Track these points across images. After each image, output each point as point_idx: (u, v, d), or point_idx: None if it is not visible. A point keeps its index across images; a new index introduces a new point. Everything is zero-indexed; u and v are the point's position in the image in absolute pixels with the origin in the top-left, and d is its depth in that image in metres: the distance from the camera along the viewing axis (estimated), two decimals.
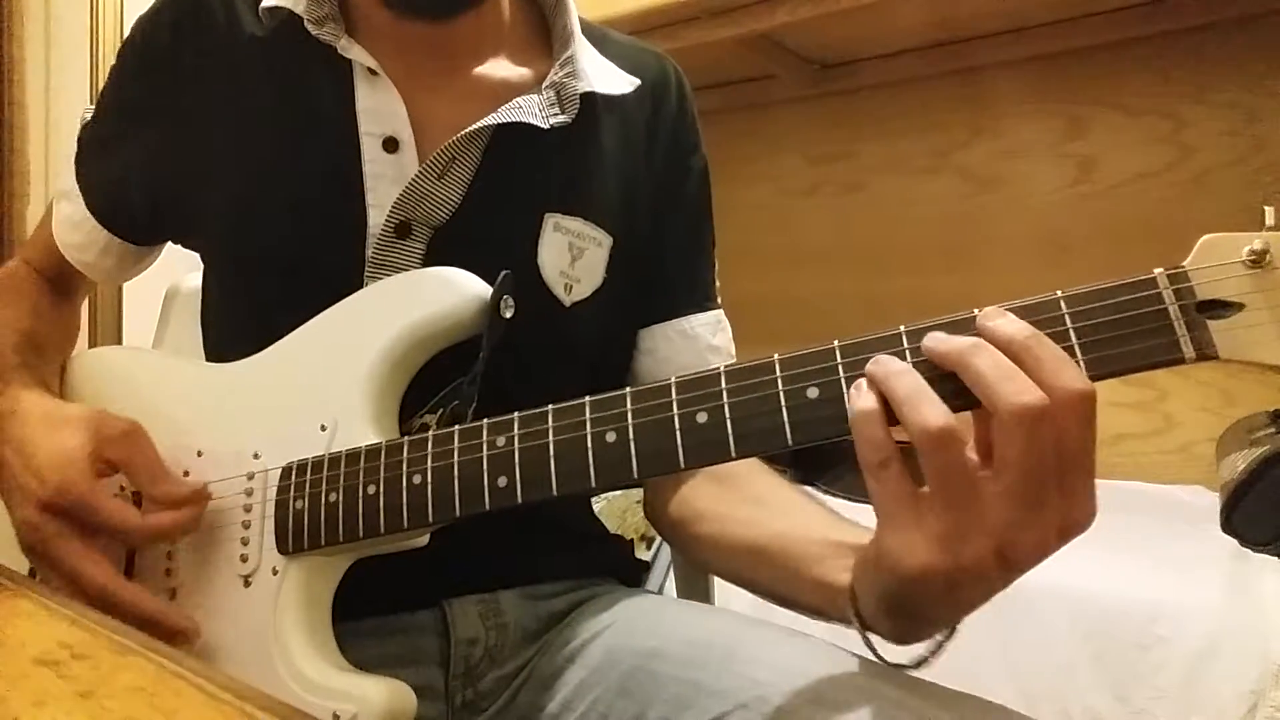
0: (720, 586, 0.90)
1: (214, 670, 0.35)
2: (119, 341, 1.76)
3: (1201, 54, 1.55)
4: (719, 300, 0.79)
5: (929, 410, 0.40)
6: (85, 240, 0.76)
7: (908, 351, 0.43)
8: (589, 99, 0.69)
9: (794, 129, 2.03)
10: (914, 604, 0.45)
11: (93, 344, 1.69)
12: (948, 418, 0.40)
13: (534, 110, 0.66)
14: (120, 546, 0.60)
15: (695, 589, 0.90)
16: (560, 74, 0.68)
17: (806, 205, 2.02)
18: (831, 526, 0.58)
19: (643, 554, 1.39)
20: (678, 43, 1.63)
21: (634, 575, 0.78)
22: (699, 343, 0.75)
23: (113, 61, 0.75)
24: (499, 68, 0.71)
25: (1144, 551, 1.17)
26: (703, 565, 0.71)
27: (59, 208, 0.77)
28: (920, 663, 0.51)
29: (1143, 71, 1.61)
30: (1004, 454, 0.39)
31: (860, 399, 0.42)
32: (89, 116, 0.77)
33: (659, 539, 1.41)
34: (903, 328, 0.44)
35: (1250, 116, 1.52)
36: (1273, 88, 1.49)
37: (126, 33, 0.75)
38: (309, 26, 0.65)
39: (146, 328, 1.05)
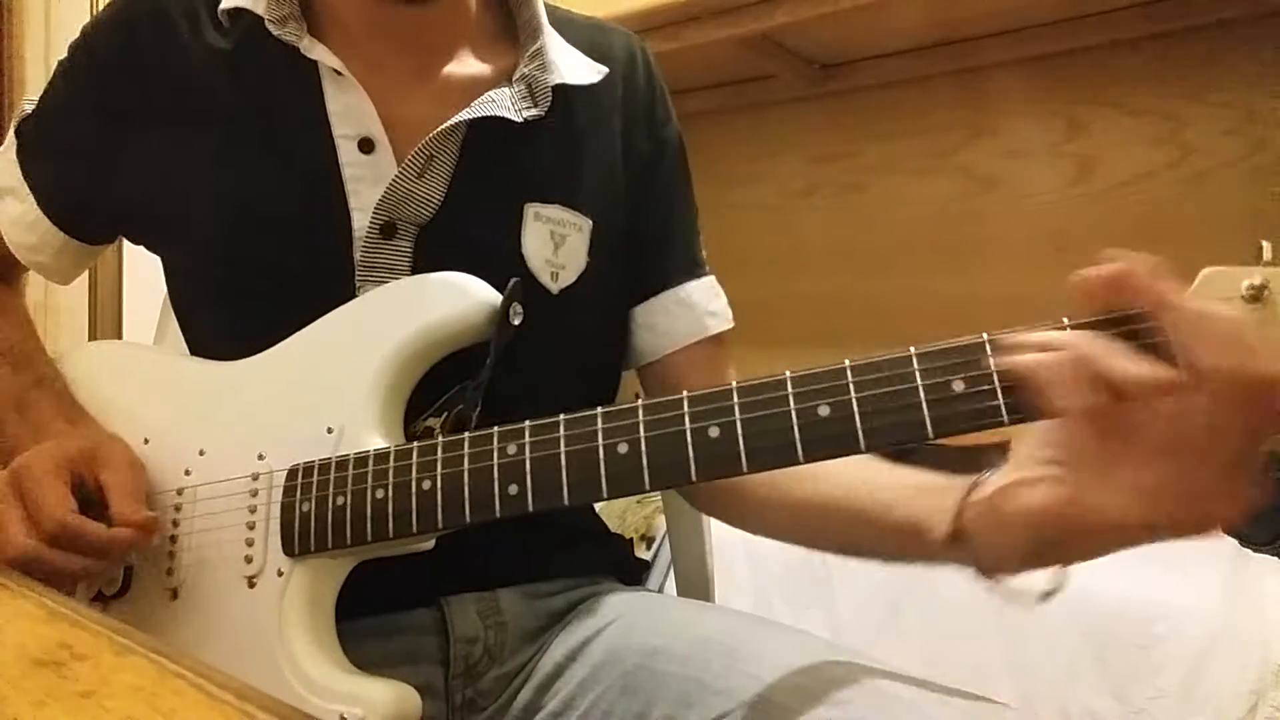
0: (720, 586, 0.90)
1: (214, 670, 0.35)
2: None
3: (1201, 54, 1.55)
4: (709, 267, 0.79)
5: (1139, 363, 0.39)
6: (39, 242, 0.74)
7: (918, 372, 0.43)
8: (560, 90, 0.68)
9: (794, 129, 2.03)
10: (1067, 552, 0.46)
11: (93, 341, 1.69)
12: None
13: (506, 104, 0.65)
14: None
15: (696, 588, 0.90)
16: (530, 66, 0.68)
17: (806, 205, 2.01)
18: (902, 472, 0.58)
19: (642, 554, 1.39)
20: (678, 43, 1.63)
21: (634, 573, 0.78)
22: (696, 310, 0.75)
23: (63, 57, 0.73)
24: (467, 61, 0.70)
25: (1144, 551, 1.16)
26: (754, 527, 0.71)
27: (3, 206, 0.75)
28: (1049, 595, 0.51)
29: (1143, 71, 1.61)
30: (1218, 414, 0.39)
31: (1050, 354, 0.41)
32: (30, 109, 0.74)
33: (659, 538, 1.41)
34: (913, 349, 0.44)
35: (1250, 116, 1.52)
36: (1273, 88, 1.49)
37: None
38: (270, 27, 0.64)
39: (146, 328, 1.04)
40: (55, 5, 1.71)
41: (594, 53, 0.73)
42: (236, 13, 0.66)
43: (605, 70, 0.72)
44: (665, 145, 0.77)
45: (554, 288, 0.68)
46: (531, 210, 0.67)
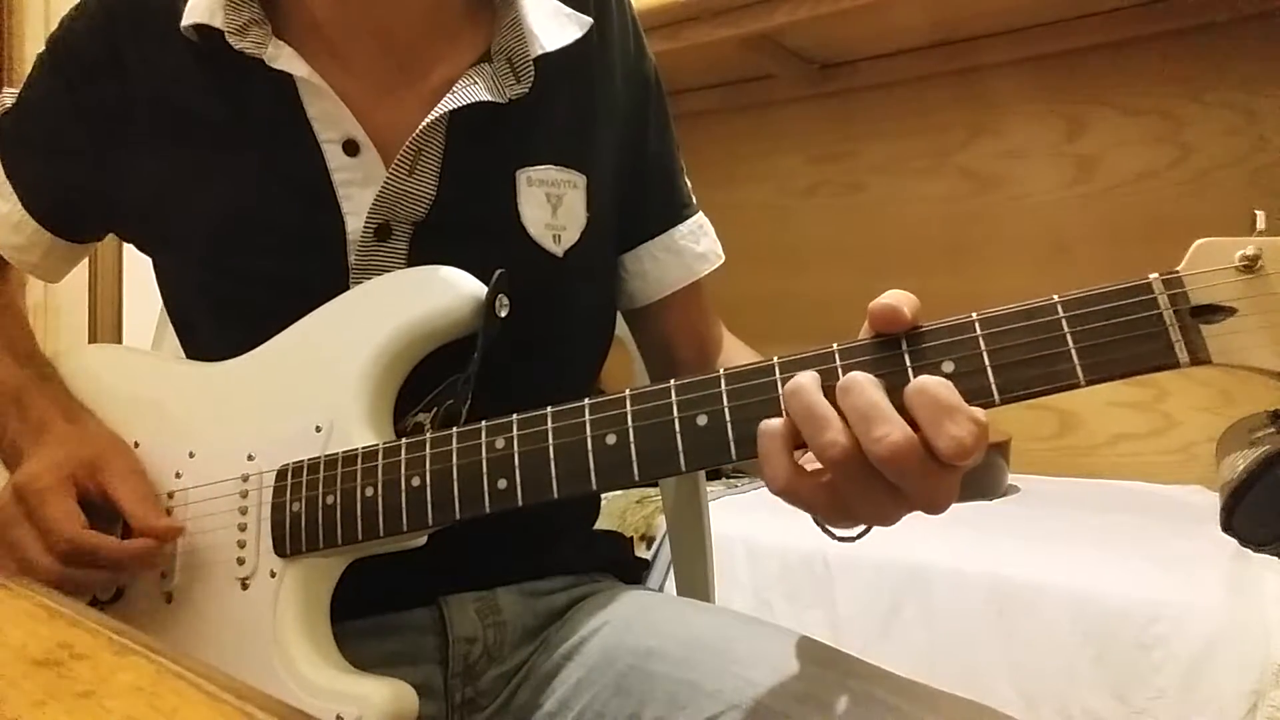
0: (720, 585, 0.90)
1: (214, 670, 0.35)
2: (119, 342, 1.76)
3: (1201, 54, 1.55)
4: (695, 202, 0.78)
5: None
6: (26, 242, 0.73)
7: (907, 354, 0.43)
8: (542, 60, 0.66)
9: (794, 129, 2.03)
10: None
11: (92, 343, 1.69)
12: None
13: (488, 85, 0.64)
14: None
15: (695, 588, 0.90)
16: (508, 38, 0.65)
17: (806, 205, 2.02)
18: None
19: (642, 554, 1.39)
20: (678, 43, 1.63)
21: (633, 571, 0.77)
22: (684, 255, 0.75)
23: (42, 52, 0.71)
24: (442, 44, 0.67)
25: (1144, 551, 1.17)
26: None
27: None
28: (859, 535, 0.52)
29: (1143, 71, 1.61)
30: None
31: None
32: (10, 102, 0.72)
33: (659, 538, 1.41)
34: (902, 333, 0.44)
35: (1250, 116, 1.52)
36: (1273, 88, 1.49)
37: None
38: (230, 39, 0.62)
39: (146, 329, 1.04)
40: (55, 5, 1.71)
41: (573, 2, 0.70)
42: (198, 27, 0.63)
43: (588, 22, 0.69)
44: (644, 84, 0.75)
45: (558, 251, 0.66)
46: (524, 176, 0.66)
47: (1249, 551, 1.13)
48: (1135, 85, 1.62)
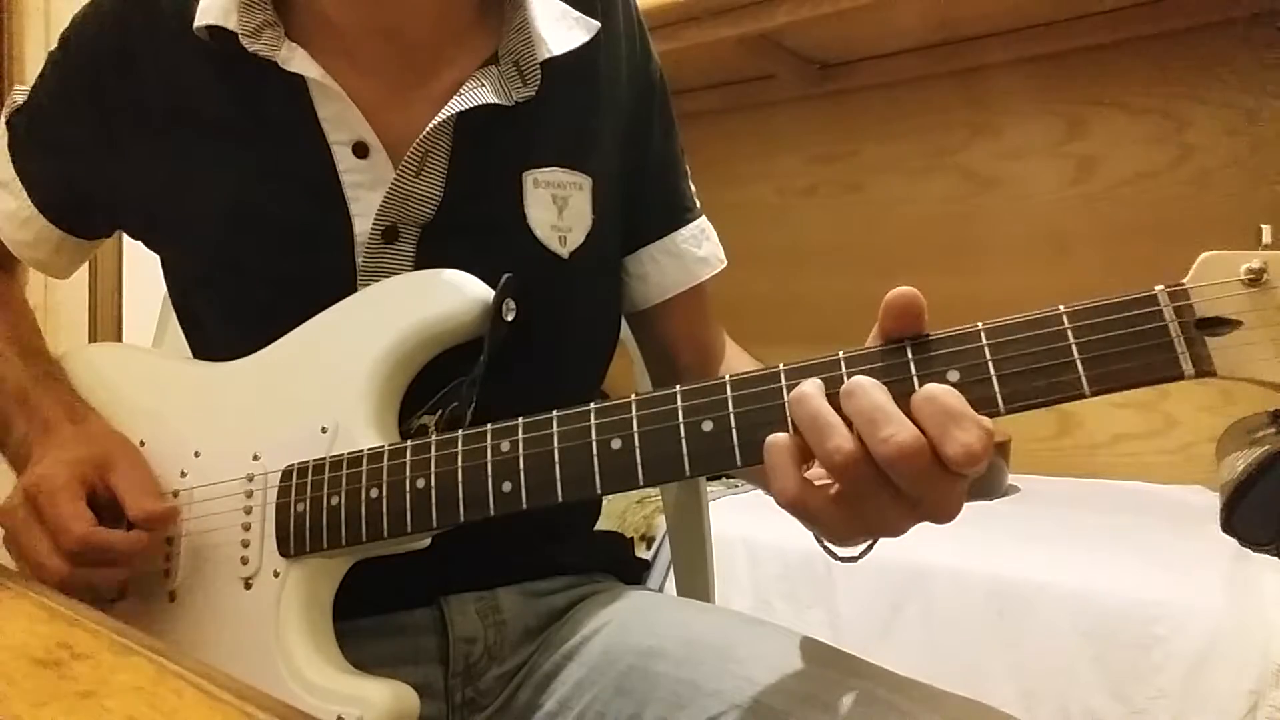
0: (720, 586, 0.90)
1: (214, 670, 0.35)
2: (119, 341, 1.76)
3: (1201, 54, 1.55)
4: (699, 207, 0.78)
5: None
6: (35, 239, 0.74)
7: (913, 363, 0.44)
8: (549, 63, 0.66)
9: (794, 129, 2.03)
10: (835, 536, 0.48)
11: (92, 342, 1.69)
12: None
13: (495, 87, 0.64)
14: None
15: (695, 588, 0.90)
16: (515, 41, 0.66)
17: (806, 205, 2.02)
18: None
19: (642, 554, 1.40)
20: (678, 43, 1.63)
21: (634, 571, 0.78)
22: (685, 259, 0.75)
23: (54, 49, 0.71)
24: (451, 47, 0.67)
25: (1144, 551, 1.17)
26: None
27: None
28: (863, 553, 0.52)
29: (1143, 71, 1.61)
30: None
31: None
32: (21, 100, 0.72)
33: (659, 538, 1.41)
34: (907, 341, 0.44)
35: (1250, 116, 1.52)
36: (1273, 88, 1.49)
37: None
38: (244, 42, 0.62)
39: (146, 328, 1.04)
40: (55, 5, 1.71)
41: (581, 5, 0.70)
42: (211, 29, 0.63)
43: (596, 25, 0.69)
44: (649, 86, 0.75)
45: (564, 252, 0.66)
46: (530, 178, 0.66)
47: (1249, 551, 1.13)
48: (1135, 85, 1.62)
